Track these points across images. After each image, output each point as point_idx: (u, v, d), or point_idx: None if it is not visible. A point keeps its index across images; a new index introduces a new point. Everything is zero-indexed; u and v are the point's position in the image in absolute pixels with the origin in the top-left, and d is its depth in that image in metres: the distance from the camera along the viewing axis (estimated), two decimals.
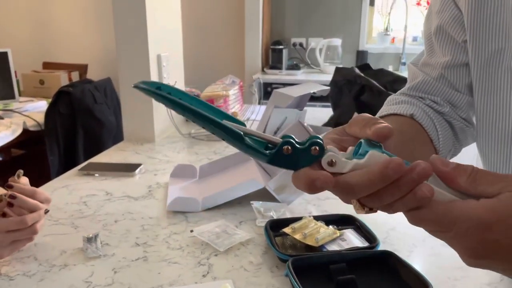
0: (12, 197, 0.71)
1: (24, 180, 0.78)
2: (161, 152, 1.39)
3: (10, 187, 0.73)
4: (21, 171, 0.77)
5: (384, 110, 0.70)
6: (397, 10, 3.45)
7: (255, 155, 0.37)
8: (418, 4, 3.51)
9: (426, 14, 0.71)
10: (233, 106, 1.70)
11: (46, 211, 0.76)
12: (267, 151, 0.37)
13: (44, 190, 1.06)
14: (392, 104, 0.69)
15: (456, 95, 0.66)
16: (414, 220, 0.36)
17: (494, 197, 0.35)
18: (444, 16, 0.65)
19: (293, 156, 0.37)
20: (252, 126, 1.58)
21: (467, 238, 0.35)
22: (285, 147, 0.37)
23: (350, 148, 0.39)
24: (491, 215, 0.34)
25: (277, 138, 0.37)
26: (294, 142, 0.37)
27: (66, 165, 2.09)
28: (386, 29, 3.56)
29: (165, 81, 1.52)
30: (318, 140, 0.36)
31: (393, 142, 0.40)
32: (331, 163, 0.37)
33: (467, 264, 0.37)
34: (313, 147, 0.37)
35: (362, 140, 0.38)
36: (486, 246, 0.34)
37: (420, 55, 0.74)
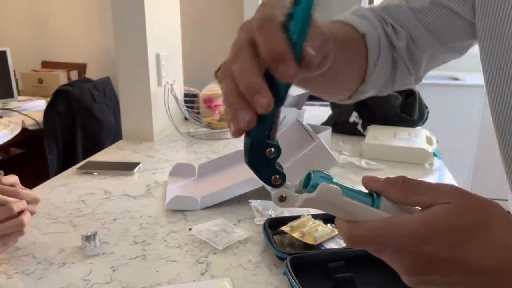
0: None
1: (12, 179, 0.76)
2: (160, 151, 1.39)
3: None
4: (1, 172, 0.75)
5: (345, 16, 0.65)
6: None
7: None
8: None
9: None
10: None
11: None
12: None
13: (43, 188, 1.07)
14: (355, 15, 0.65)
15: (421, 30, 0.63)
16: (351, 240, 0.36)
17: (426, 210, 0.34)
18: None
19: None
20: None
21: (403, 254, 0.34)
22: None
23: (299, 181, 0.38)
24: (425, 228, 0.33)
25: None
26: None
27: (65, 164, 2.09)
28: None
29: (163, 80, 1.52)
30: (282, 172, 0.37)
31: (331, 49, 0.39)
32: (281, 199, 0.37)
33: (409, 284, 0.37)
34: (273, 177, 0.37)
35: (311, 172, 0.38)
36: (422, 260, 0.34)
37: None
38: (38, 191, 1.03)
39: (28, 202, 0.75)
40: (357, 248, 0.36)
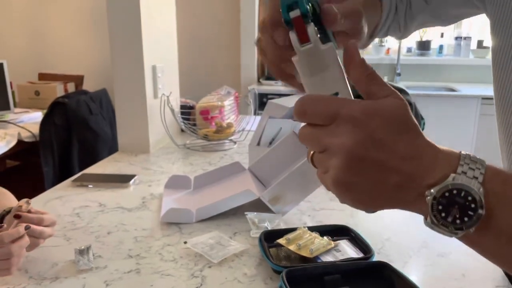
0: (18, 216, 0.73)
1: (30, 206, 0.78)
2: (156, 163, 1.39)
3: (17, 217, 0.73)
4: (29, 201, 0.77)
5: None
6: None
7: None
8: None
9: None
10: (229, 117, 1.70)
11: (27, 228, 0.72)
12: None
13: (37, 202, 1.06)
14: None
15: (421, 5, 0.72)
16: (310, 100, 0.37)
17: (382, 98, 0.38)
18: None
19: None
20: (247, 136, 1.58)
21: (349, 125, 0.36)
22: None
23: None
24: (376, 105, 0.37)
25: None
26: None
27: (61, 176, 2.08)
28: (381, 40, 3.59)
29: (159, 92, 1.52)
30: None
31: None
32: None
33: (338, 182, 0.37)
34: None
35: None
36: (363, 135, 0.36)
37: None
38: (33, 205, 1.02)
39: (47, 226, 0.77)
40: (310, 111, 0.38)
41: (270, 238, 0.82)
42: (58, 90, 2.89)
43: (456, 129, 3.07)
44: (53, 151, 2.14)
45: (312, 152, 0.40)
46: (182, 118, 1.58)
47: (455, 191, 0.36)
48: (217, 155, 1.48)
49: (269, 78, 3.44)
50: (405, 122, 0.37)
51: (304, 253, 0.75)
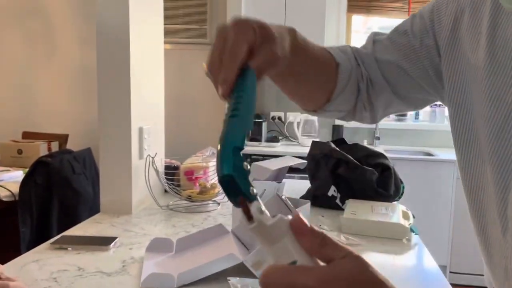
0: None
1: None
2: (138, 224, 1.37)
3: None
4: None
5: (330, 47, 0.77)
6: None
7: None
8: None
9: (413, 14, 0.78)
10: (213, 178, 1.72)
11: None
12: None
13: (13, 266, 1.03)
14: (338, 48, 0.77)
15: (379, 78, 0.75)
16: (266, 280, 0.38)
17: (333, 262, 0.38)
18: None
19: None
20: None
21: None
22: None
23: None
24: (332, 272, 0.37)
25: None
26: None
27: (38, 237, 2.02)
28: None
29: (145, 153, 1.54)
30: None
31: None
32: (260, 211, 0.39)
33: None
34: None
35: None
36: None
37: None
38: (8, 269, 0.99)
39: None
40: (271, 282, 0.38)
41: None
42: (41, 149, 2.88)
43: (434, 193, 3.13)
44: (32, 211, 2.09)
45: None
46: (166, 178, 1.59)
47: None
48: (200, 216, 1.47)
49: (253, 139, 3.51)
50: (366, 282, 0.37)
51: None
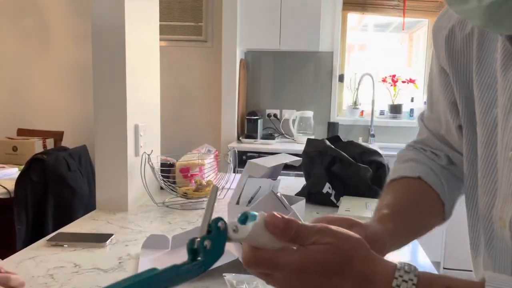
0: None
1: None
2: (134, 221, 1.38)
3: None
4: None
5: (394, 170, 0.79)
6: (364, 85, 3.66)
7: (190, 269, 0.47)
8: (384, 80, 3.76)
9: (429, 74, 0.79)
10: (208, 175, 1.72)
11: None
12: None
13: (10, 262, 1.03)
14: (401, 162, 0.80)
15: (453, 153, 0.76)
16: (252, 261, 0.46)
17: (309, 246, 0.45)
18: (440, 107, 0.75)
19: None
20: (227, 194, 1.59)
21: (285, 278, 0.44)
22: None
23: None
24: (305, 259, 0.44)
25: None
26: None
27: (34, 235, 2.02)
28: (355, 103, 3.75)
29: (141, 150, 1.54)
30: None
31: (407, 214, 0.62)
32: (235, 230, 0.45)
33: None
34: (219, 223, 0.45)
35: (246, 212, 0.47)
36: (298, 285, 0.44)
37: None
38: (5, 265, 0.99)
39: (15, 287, 0.75)
40: (253, 267, 0.46)
41: None
42: (36, 146, 2.87)
43: None
44: (27, 208, 2.09)
45: None
46: (162, 176, 1.59)
47: None
48: (196, 213, 1.48)
49: (248, 136, 3.52)
50: (335, 262, 0.44)
51: None
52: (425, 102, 0.81)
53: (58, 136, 3.26)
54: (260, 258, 0.45)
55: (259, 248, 0.45)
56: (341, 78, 3.77)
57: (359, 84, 3.66)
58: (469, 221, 0.69)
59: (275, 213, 0.46)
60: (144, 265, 0.98)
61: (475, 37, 0.64)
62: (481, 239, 0.65)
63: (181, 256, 1.07)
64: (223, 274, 0.92)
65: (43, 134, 3.19)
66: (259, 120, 3.55)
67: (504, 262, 0.59)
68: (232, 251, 0.96)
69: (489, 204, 0.62)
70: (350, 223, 0.56)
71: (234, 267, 0.97)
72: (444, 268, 2.97)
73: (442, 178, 0.74)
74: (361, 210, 1.32)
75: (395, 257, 1.19)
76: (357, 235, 0.47)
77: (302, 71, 3.74)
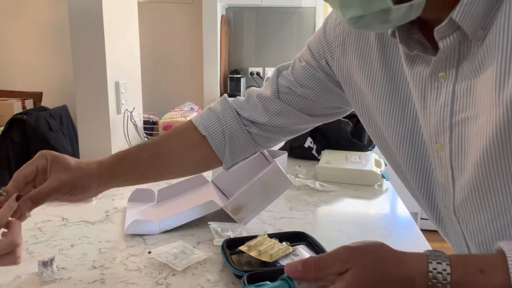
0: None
1: None
2: None
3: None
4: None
5: (202, 113, 0.86)
6: None
7: None
8: None
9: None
10: None
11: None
12: None
13: None
14: (210, 109, 0.86)
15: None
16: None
17: (341, 276, 0.46)
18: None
19: None
20: None
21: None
22: None
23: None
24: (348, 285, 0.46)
25: None
26: None
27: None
28: None
29: (123, 108, 1.54)
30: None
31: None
32: None
33: None
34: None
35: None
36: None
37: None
38: None
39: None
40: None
41: (232, 245, 0.85)
42: (15, 107, 2.82)
43: None
44: (11, 168, 2.08)
45: None
46: (146, 133, 1.60)
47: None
48: None
49: (231, 95, 3.50)
50: (374, 278, 0.46)
51: (264, 258, 0.79)
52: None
53: (37, 97, 3.20)
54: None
55: None
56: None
57: None
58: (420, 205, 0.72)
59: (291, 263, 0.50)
60: (131, 217, 1.01)
61: (375, 43, 0.66)
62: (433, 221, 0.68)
63: (166, 209, 1.10)
64: (208, 223, 0.96)
65: (21, 95, 3.13)
66: (242, 79, 3.53)
67: (460, 244, 0.63)
68: (216, 201, 1.00)
69: (429, 197, 0.64)
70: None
71: (219, 216, 1.01)
72: (421, 219, 3.10)
73: (228, 144, 0.82)
74: (341, 162, 1.36)
75: (373, 206, 1.22)
76: (373, 241, 0.49)
77: (284, 28, 3.69)
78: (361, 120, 0.74)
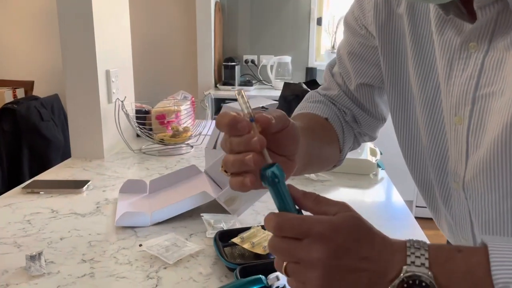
0: None
1: None
2: (111, 168, 1.37)
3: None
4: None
5: (303, 106, 0.80)
6: (342, 29, 3.60)
7: None
8: None
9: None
10: (185, 121, 1.71)
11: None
12: None
13: None
14: (311, 102, 0.79)
15: (360, 112, 0.79)
16: (280, 224, 0.43)
17: (336, 215, 0.44)
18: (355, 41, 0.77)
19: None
20: (204, 140, 1.59)
21: (320, 242, 0.42)
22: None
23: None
24: (338, 223, 0.43)
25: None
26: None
27: (10, 185, 2.00)
28: (333, 47, 3.71)
29: (114, 97, 1.51)
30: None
31: (305, 140, 0.54)
32: None
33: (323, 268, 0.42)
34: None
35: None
36: (333, 247, 0.42)
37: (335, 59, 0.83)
38: None
39: None
40: (281, 234, 0.43)
41: (225, 237, 0.84)
42: (6, 96, 2.78)
43: None
44: (2, 158, 2.06)
45: (285, 264, 0.44)
46: (138, 123, 1.57)
47: (410, 281, 0.41)
48: (173, 159, 1.48)
49: (226, 83, 3.47)
50: (360, 229, 0.44)
51: (258, 250, 0.78)
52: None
53: (28, 85, 3.15)
54: (289, 221, 0.43)
55: (287, 212, 0.45)
56: (319, 22, 3.69)
57: (337, 27, 3.60)
58: (421, 187, 0.70)
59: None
60: (123, 208, 0.99)
61: (406, 13, 0.63)
62: (439, 201, 0.67)
63: (158, 200, 1.08)
64: (201, 215, 0.94)
65: (12, 84, 3.08)
66: (236, 67, 3.49)
67: (464, 222, 0.62)
68: (209, 192, 0.98)
69: (441, 168, 0.63)
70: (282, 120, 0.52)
71: (212, 207, 0.99)
72: (416, 207, 3.10)
73: (345, 129, 0.77)
74: None
75: (368, 195, 1.21)
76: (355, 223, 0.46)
77: (279, 15, 3.64)
78: (385, 82, 0.71)
